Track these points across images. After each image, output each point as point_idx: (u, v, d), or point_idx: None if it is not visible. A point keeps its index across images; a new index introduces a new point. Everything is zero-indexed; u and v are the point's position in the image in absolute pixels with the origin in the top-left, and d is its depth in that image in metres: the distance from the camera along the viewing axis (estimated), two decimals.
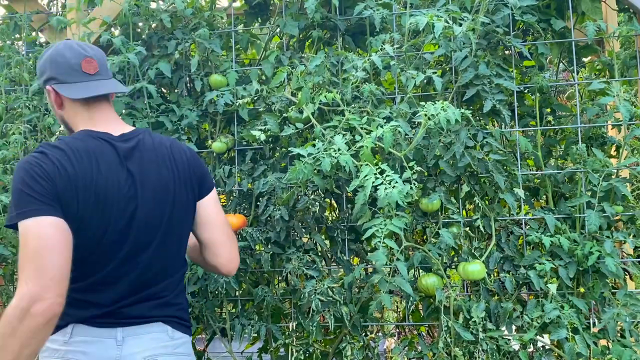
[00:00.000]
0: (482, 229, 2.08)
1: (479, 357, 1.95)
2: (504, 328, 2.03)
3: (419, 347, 2.13)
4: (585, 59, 2.78)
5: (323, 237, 2.28)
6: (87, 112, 1.51)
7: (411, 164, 1.87)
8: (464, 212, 2.14)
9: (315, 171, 1.94)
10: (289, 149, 2.07)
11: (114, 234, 1.39)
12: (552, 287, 1.96)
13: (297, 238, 2.23)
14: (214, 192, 1.60)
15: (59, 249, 1.28)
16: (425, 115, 1.83)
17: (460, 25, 1.99)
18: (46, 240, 1.27)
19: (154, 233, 1.45)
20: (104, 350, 1.40)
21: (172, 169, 1.50)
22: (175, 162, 1.51)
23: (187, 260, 1.65)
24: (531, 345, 2.05)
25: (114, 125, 1.52)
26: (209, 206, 1.57)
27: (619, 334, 2.00)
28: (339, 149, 1.89)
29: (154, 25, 2.42)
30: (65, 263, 1.28)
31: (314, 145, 1.95)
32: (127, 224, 1.41)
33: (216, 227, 1.58)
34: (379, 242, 1.82)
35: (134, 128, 1.54)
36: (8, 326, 1.21)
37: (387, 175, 1.80)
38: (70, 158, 1.37)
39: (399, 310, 3.36)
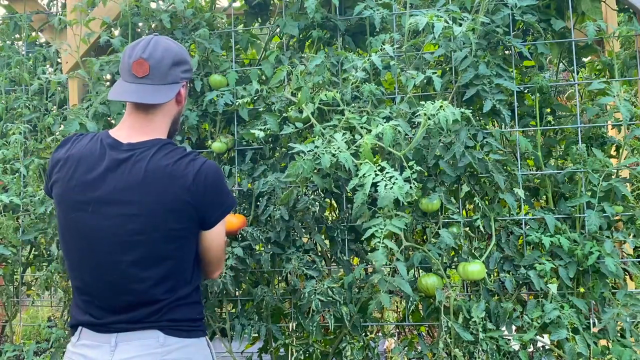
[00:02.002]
0: (482, 229, 2.08)
1: (479, 357, 1.95)
2: (504, 328, 2.03)
3: (419, 347, 2.13)
4: (585, 59, 2.78)
5: (323, 237, 2.28)
6: (126, 114, 1.54)
7: (411, 163, 1.87)
8: (464, 212, 2.14)
9: (314, 170, 1.94)
10: (289, 145, 2.06)
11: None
12: (552, 287, 1.96)
13: (297, 238, 2.23)
14: (223, 222, 1.56)
15: None
16: (425, 114, 1.83)
17: (460, 25, 1.99)
18: None
19: (114, 247, 1.43)
20: (101, 356, 1.43)
21: (150, 192, 1.42)
22: (150, 185, 1.43)
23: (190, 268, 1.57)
24: (531, 346, 2.04)
25: (135, 132, 1.50)
26: (208, 237, 1.55)
27: (619, 334, 2.00)
28: (338, 147, 1.89)
29: (153, 25, 2.42)
30: None
31: (314, 142, 1.94)
32: (76, 234, 1.45)
33: (213, 251, 1.60)
34: (379, 242, 1.82)
35: (152, 138, 1.50)
36: None
37: (387, 173, 1.80)
38: None
39: (399, 310, 3.36)
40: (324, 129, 2.04)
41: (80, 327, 1.49)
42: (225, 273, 2.12)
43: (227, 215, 1.56)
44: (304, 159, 1.91)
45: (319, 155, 1.90)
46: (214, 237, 1.56)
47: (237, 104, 2.27)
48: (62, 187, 1.47)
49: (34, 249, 2.65)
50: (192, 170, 1.45)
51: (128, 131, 1.51)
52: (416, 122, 2.06)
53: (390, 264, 1.95)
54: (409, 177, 1.83)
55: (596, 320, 2.03)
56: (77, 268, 1.49)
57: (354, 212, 1.96)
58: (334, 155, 1.87)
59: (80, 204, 1.44)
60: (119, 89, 1.49)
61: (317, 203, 2.13)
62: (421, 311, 2.27)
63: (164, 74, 1.49)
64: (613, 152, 2.35)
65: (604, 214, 2.01)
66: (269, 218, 2.19)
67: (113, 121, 2.38)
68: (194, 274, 1.54)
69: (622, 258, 2.13)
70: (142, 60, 1.46)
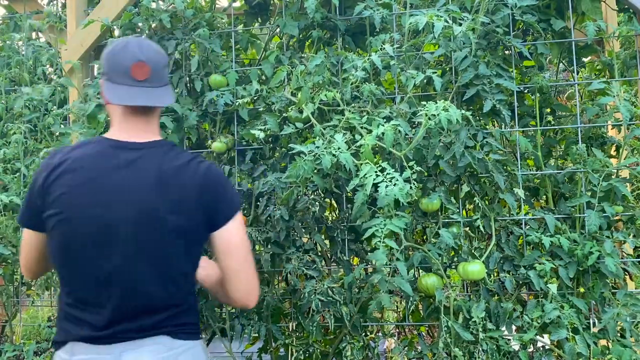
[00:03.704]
0: (482, 229, 2.08)
1: (479, 357, 1.95)
2: (504, 328, 2.03)
3: (419, 347, 2.13)
4: (585, 59, 2.78)
5: (323, 237, 2.28)
6: (122, 117, 1.49)
7: (411, 163, 1.87)
8: (464, 212, 2.14)
9: (315, 170, 1.94)
10: (290, 146, 2.06)
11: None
12: (552, 287, 1.96)
13: (297, 238, 2.23)
14: (233, 222, 1.48)
15: None
16: (426, 115, 1.83)
17: (460, 25, 1.99)
18: None
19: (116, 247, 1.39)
20: None
21: (161, 193, 1.40)
22: (168, 186, 1.41)
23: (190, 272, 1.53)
24: (531, 345, 2.04)
25: (137, 135, 1.47)
26: (223, 237, 1.47)
27: (619, 334, 2.00)
28: (339, 148, 1.89)
29: (154, 25, 2.42)
30: None
31: (314, 143, 1.94)
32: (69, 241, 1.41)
33: (231, 258, 1.48)
34: (379, 241, 1.82)
35: (156, 139, 1.48)
36: None
37: (387, 174, 1.80)
38: None
39: (399, 310, 3.36)
40: (324, 129, 2.04)
41: (71, 343, 1.42)
42: None
43: (237, 213, 1.51)
44: (304, 160, 1.91)
45: (319, 155, 1.90)
46: (230, 236, 1.48)
47: (237, 104, 2.27)
48: (69, 191, 1.40)
49: None
50: (202, 171, 1.46)
51: (129, 132, 1.48)
52: (416, 122, 2.06)
53: (390, 264, 1.95)
54: (409, 177, 1.83)
55: (596, 320, 2.03)
56: (81, 277, 1.41)
57: (354, 212, 1.96)
58: (334, 155, 1.87)
59: (91, 206, 1.38)
60: (123, 93, 1.44)
61: (317, 203, 2.13)
62: (421, 311, 2.28)
63: (161, 76, 1.49)
64: (613, 152, 2.35)
65: (604, 214, 2.01)
66: (269, 218, 2.19)
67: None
68: (194, 277, 1.53)
69: (622, 258, 2.13)
70: (143, 63, 1.44)
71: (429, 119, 1.83)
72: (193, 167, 1.45)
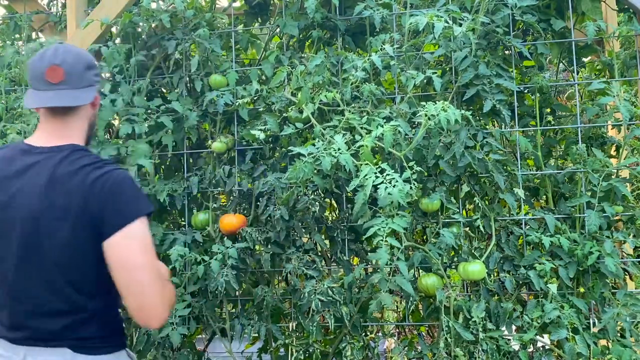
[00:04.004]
0: (482, 229, 2.08)
1: (479, 357, 1.95)
2: (504, 328, 2.03)
3: (419, 347, 2.13)
4: (585, 59, 2.78)
5: (323, 237, 2.28)
6: (41, 121, 1.51)
7: (411, 164, 1.87)
8: (464, 212, 2.14)
9: (315, 171, 1.94)
10: (289, 148, 2.06)
11: None
12: (552, 287, 1.96)
13: (297, 238, 2.23)
14: (121, 233, 1.37)
15: None
16: (426, 115, 1.83)
17: (460, 25, 1.99)
18: None
19: (11, 257, 1.40)
20: None
21: (48, 198, 1.38)
22: (55, 192, 1.38)
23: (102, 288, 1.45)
24: (531, 345, 2.04)
25: (52, 138, 1.47)
26: (109, 248, 1.37)
27: (619, 334, 2.00)
28: (339, 149, 1.89)
29: (154, 25, 2.42)
30: None
31: (314, 145, 1.94)
32: None
33: (118, 272, 1.38)
34: (381, 240, 1.81)
35: (67, 144, 1.47)
36: None
37: (387, 175, 1.80)
38: None
39: (399, 310, 3.36)
40: (324, 129, 2.04)
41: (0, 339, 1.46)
42: (227, 272, 2.11)
43: (132, 224, 1.38)
44: (304, 162, 1.91)
45: (319, 157, 1.90)
46: (117, 248, 1.37)
47: (237, 104, 2.27)
48: None
49: None
50: (93, 177, 1.39)
51: (45, 137, 1.48)
52: (416, 122, 2.06)
53: (390, 264, 1.95)
54: (409, 177, 1.83)
55: (596, 320, 2.03)
56: None
57: (355, 212, 1.96)
58: (334, 156, 1.87)
59: None
60: (35, 97, 1.45)
61: (317, 203, 2.13)
62: (421, 311, 2.28)
63: (79, 77, 1.47)
64: (613, 152, 2.35)
65: (604, 214, 2.01)
66: (269, 218, 2.19)
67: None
68: (100, 288, 1.43)
69: (622, 258, 2.13)
70: (55, 67, 1.44)
71: (429, 119, 1.83)
72: (85, 173, 1.40)
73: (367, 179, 1.80)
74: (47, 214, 1.39)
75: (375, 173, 1.82)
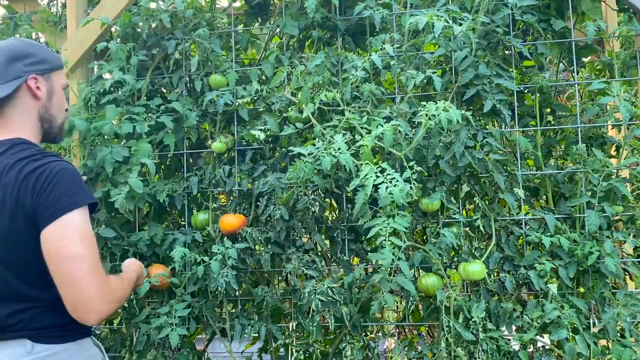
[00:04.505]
0: (482, 229, 2.08)
1: (479, 357, 1.95)
2: (504, 328, 2.03)
3: (419, 347, 2.13)
4: (585, 59, 2.78)
5: (323, 237, 2.28)
6: None
7: (411, 163, 1.87)
8: (464, 212, 2.14)
9: (315, 170, 1.94)
10: (289, 148, 2.06)
11: None
12: (552, 287, 1.96)
13: (297, 238, 2.23)
14: (54, 225, 1.35)
15: None
16: (426, 115, 1.83)
17: (460, 25, 1.99)
18: None
19: None
20: None
21: None
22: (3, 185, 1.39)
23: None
24: (531, 345, 2.04)
25: None
26: (43, 239, 1.35)
27: (619, 334, 2.00)
28: (339, 148, 1.89)
29: (154, 25, 2.42)
30: None
31: (314, 145, 1.94)
32: None
33: (52, 264, 1.36)
34: (384, 240, 1.81)
35: (7, 138, 1.47)
36: None
37: (388, 174, 1.80)
38: None
39: (399, 310, 3.36)
40: (324, 129, 2.04)
41: None
42: (227, 272, 2.11)
43: (65, 215, 1.35)
44: (304, 162, 1.91)
45: (319, 157, 1.90)
46: (49, 240, 1.35)
47: (237, 104, 2.27)
48: None
49: None
50: (28, 169, 1.38)
51: None
52: (416, 122, 2.06)
53: (391, 263, 1.95)
54: (409, 177, 1.83)
55: (596, 320, 2.03)
56: None
57: (356, 212, 1.95)
58: (334, 156, 1.87)
59: None
60: None
61: (317, 203, 2.13)
62: (421, 311, 2.28)
63: (2, 71, 1.45)
64: (613, 152, 2.35)
65: (604, 214, 2.01)
66: (269, 218, 2.19)
67: None
68: (50, 280, 1.40)
69: (622, 258, 2.13)
70: None
71: (429, 119, 1.83)
72: (20, 167, 1.39)
73: (367, 178, 1.80)
74: None
75: (376, 172, 1.81)
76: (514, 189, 2.08)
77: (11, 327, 1.41)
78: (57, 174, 1.38)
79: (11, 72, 1.46)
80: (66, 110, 1.62)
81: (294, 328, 2.30)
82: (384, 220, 1.85)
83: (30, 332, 1.42)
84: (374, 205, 1.96)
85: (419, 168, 1.88)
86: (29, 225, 1.37)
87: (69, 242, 1.35)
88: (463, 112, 1.87)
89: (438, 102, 1.85)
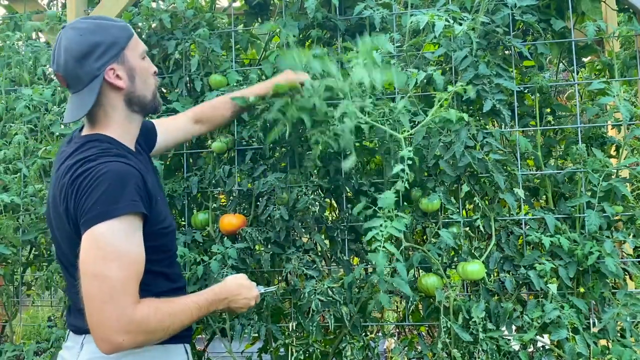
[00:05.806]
0: (482, 229, 2.08)
1: (479, 357, 1.95)
2: (504, 328, 2.02)
3: (419, 347, 2.13)
4: (585, 59, 2.78)
5: (323, 237, 2.28)
6: None
7: (409, 154, 1.84)
8: (464, 212, 2.14)
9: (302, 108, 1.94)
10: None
11: None
12: (552, 287, 1.96)
13: (297, 238, 2.23)
14: (87, 235, 1.23)
15: None
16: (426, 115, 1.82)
17: (461, 24, 1.99)
18: None
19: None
20: (69, 356, 1.47)
21: (52, 192, 1.40)
22: (55, 184, 1.37)
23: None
24: (531, 346, 2.04)
25: (86, 128, 1.46)
26: (80, 249, 1.25)
27: (619, 334, 2.00)
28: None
29: (154, 25, 2.42)
30: None
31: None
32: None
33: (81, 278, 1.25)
34: (379, 246, 1.80)
35: (91, 133, 1.42)
36: None
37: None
38: None
39: (399, 310, 3.36)
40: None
41: (69, 330, 1.51)
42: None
43: (95, 227, 1.22)
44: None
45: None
46: (81, 251, 1.24)
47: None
48: None
49: (34, 249, 2.65)
50: (80, 170, 1.29)
51: (85, 127, 1.48)
52: (416, 122, 2.06)
53: (390, 264, 1.95)
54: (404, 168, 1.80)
55: (596, 320, 2.03)
56: None
57: (355, 212, 1.95)
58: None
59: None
60: (67, 106, 1.43)
61: (317, 203, 2.13)
62: (421, 311, 2.27)
63: (76, 77, 1.35)
64: (613, 152, 2.35)
65: (604, 214, 2.01)
66: (268, 218, 2.19)
67: None
68: None
69: (622, 258, 2.13)
70: (57, 74, 1.37)
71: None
72: (75, 168, 1.30)
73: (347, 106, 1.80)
74: (52, 209, 1.42)
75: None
76: (513, 189, 2.08)
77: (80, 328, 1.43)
78: (99, 177, 1.25)
79: (85, 74, 1.34)
80: (154, 74, 1.49)
81: (294, 328, 2.30)
82: (382, 224, 1.82)
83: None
84: (375, 205, 1.96)
85: (416, 157, 1.86)
86: (77, 231, 1.28)
87: (91, 259, 1.22)
88: (463, 115, 1.87)
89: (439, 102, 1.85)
